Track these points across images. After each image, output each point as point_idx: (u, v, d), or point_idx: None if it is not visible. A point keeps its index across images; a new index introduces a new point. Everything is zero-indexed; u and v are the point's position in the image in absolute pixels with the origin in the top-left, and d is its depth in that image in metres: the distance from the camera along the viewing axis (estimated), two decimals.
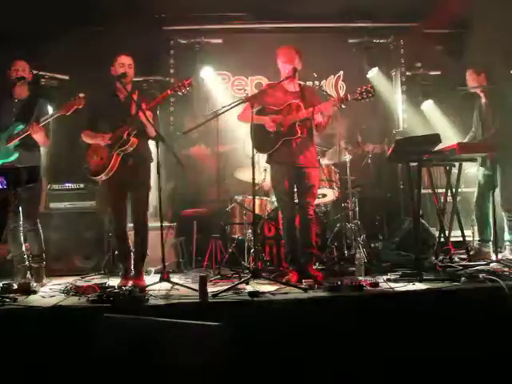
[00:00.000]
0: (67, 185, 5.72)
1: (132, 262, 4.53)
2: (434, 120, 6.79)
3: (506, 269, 4.25)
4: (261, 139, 4.45)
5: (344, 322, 3.39)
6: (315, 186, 4.58)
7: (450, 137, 5.62)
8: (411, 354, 3.32)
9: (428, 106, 6.86)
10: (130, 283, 4.37)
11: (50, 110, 4.69)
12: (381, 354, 3.31)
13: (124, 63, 4.45)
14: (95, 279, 4.90)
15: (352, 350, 3.31)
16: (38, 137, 4.36)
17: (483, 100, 5.25)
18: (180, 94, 4.36)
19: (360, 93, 4.24)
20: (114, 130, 4.34)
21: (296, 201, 4.60)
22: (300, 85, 4.65)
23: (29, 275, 4.53)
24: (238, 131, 6.08)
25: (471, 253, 5.09)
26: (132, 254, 4.56)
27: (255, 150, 4.33)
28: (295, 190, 4.57)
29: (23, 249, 4.58)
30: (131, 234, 4.58)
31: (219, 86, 6.97)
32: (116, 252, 4.86)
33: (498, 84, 5.20)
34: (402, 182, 6.85)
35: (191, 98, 6.65)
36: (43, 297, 3.97)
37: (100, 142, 4.38)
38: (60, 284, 4.52)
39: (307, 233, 4.51)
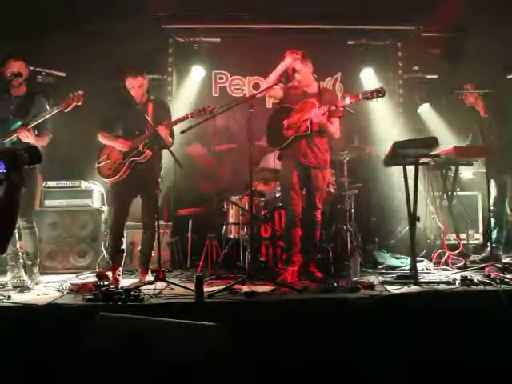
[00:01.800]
0: (63, 182, 5.69)
1: (123, 261, 4.69)
2: (431, 123, 6.79)
3: (500, 272, 4.28)
4: (274, 134, 4.56)
5: (339, 322, 3.40)
6: (323, 189, 4.58)
7: (447, 140, 5.62)
8: (407, 355, 3.33)
9: (425, 109, 6.86)
10: (111, 275, 4.48)
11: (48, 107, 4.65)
12: (376, 355, 3.31)
13: (131, 86, 4.49)
14: (90, 277, 4.89)
15: (346, 351, 3.32)
16: (28, 140, 4.26)
17: (481, 113, 5.26)
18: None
19: (371, 92, 4.26)
20: (129, 137, 4.50)
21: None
22: (319, 87, 4.72)
23: (23, 273, 4.49)
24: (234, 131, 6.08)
25: (484, 255, 5.13)
26: (125, 252, 4.71)
27: (269, 145, 4.57)
28: (303, 190, 4.57)
29: (17, 246, 4.53)
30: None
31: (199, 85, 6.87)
32: (109, 249, 4.87)
33: (495, 94, 5.19)
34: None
35: (189, 97, 6.65)
36: (38, 295, 3.97)
37: (117, 147, 4.52)
38: (55, 282, 4.52)
39: (312, 235, 4.52)
